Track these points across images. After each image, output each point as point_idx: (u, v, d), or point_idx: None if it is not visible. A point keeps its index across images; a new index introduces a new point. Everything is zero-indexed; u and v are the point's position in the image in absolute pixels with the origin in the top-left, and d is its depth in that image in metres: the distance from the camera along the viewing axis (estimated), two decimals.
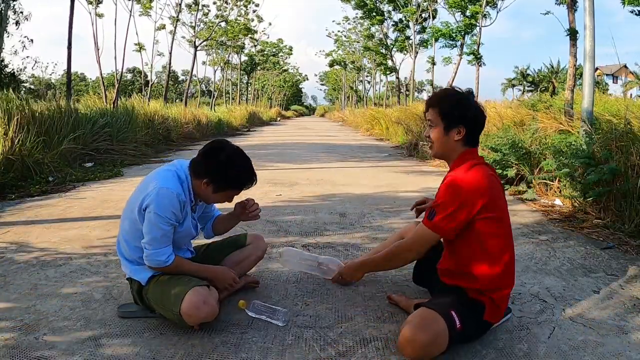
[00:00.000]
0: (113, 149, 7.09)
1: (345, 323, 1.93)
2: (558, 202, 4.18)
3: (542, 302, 2.15)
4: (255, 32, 24.08)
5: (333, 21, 51.08)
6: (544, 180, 4.53)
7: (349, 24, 28.18)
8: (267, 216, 3.68)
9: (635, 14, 5.30)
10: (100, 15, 11.98)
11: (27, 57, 10.05)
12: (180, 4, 15.82)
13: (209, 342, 1.75)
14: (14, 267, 2.51)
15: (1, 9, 8.18)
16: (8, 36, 10.01)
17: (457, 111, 1.77)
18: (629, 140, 3.66)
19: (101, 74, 11.03)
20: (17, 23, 10.00)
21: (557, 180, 4.38)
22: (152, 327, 1.87)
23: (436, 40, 16.89)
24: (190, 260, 2.05)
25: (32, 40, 10.35)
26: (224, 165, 1.82)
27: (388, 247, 1.99)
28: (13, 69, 10.08)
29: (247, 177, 1.87)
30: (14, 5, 10.04)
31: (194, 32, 17.46)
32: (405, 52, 21.79)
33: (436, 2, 17.02)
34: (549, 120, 5.40)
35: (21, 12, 10.21)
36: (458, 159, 1.78)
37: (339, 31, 30.87)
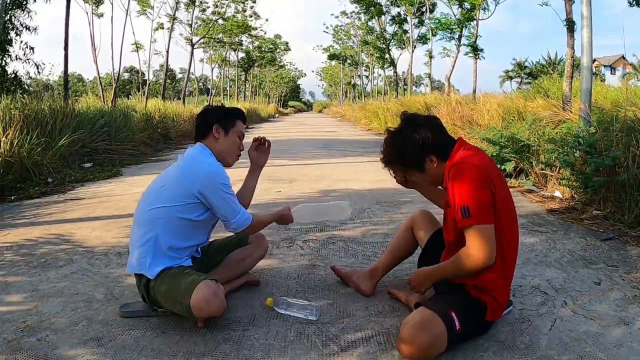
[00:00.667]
0: (112, 149, 7.07)
1: (347, 318, 1.94)
2: (557, 193, 4.19)
3: (543, 294, 2.16)
4: (255, 29, 24.00)
5: (332, 14, 50.88)
6: (543, 171, 4.53)
7: (347, 17, 28.11)
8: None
9: (631, 5, 5.27)
10: (99, 16, 11.97)
11: (29, 60, 9.98)
12: (177, 2, 15.79)
13: (211, 340, 1.76)
14: (15, 268, 2.51)
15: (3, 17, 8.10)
16: (15, 43, 9.95)
17: (411, 152, 1.72)
18: (629, 131, 3.65)
19: (98, 74, 11.03)
20: (15, 30, 9.90)
21: (557, 171, 4.38)
22: (154, 326, 1.87)
23: (434, 35, 16.87)
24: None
25: (32, 48, 10.25)
26: (218, 107, 2.12)
27: (452, 257, 1.68)
28: (16, 72, 10.00)
29: (236, 108, 2.14)
30: (20, 16, 9.94)
31: (191, 29, 17.42)
32: (403, 46, 21.77)
33: None
34: (547, 111, 5.39)
35: (27, 27, 10.11)
36: (447, 166, 1.73)
37: (337, 25, 30.81)
